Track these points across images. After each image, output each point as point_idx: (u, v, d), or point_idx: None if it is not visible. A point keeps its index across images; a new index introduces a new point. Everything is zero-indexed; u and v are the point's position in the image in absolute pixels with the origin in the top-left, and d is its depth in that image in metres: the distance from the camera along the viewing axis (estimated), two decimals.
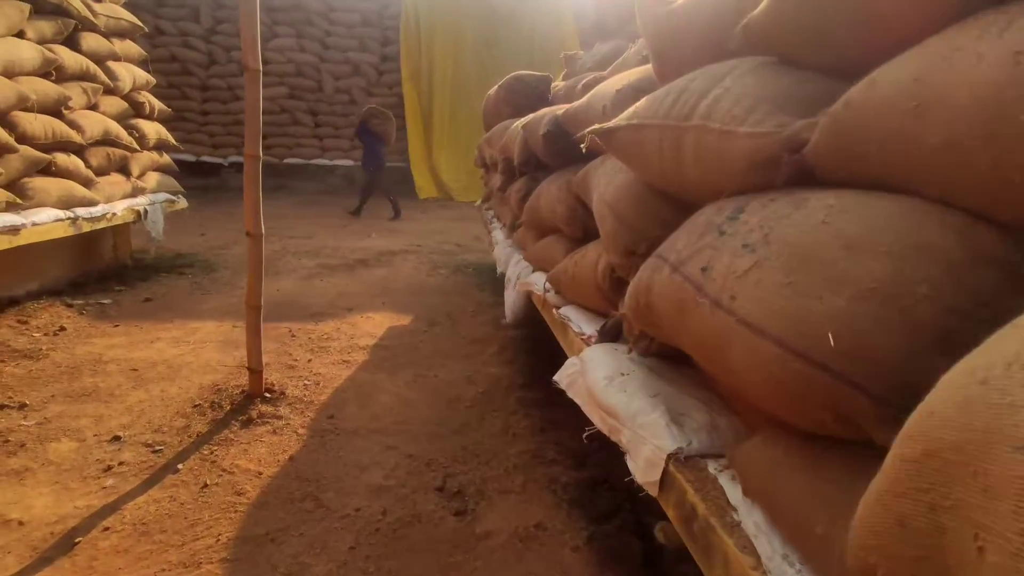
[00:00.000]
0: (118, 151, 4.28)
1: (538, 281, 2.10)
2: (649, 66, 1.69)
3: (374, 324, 3.62)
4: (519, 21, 10.59)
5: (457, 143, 10.64)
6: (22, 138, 3.44)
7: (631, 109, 1.34)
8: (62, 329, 3.37)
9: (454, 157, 10.63)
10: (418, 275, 5.23)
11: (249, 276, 2.53)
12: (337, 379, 2.73)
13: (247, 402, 2.47)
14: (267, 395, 2.51)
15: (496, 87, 4.01)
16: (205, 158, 10.31)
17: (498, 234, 3.55)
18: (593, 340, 1.53)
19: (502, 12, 10.55)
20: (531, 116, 2.50)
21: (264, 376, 2.60)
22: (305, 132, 10.51)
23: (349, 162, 10.72)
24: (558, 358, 1.70)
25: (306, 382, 2.69)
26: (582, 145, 1.50)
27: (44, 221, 3.48)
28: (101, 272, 4.62)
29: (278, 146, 10.51)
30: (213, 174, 10.45)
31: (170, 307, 3.95)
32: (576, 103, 2.04)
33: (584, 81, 2.44)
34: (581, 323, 1.66)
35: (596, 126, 1.36)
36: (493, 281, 4.89)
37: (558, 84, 3.41)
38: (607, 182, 1.52)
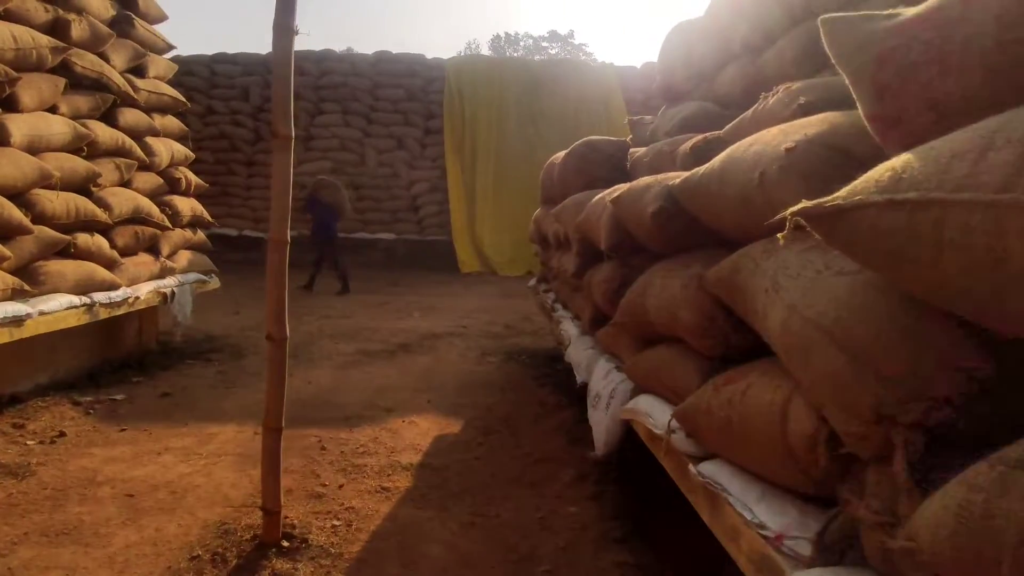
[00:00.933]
0: (148, 229, 3.96)
1: (650, 410, 1.53)
2: (836, 115, 1.17)
3: (418, 432, 3.07)
4: (563, 92, 10.45)
5: (500, 216, 10.33)
6: (40, 218, 3.11)
7: (866, 179, 0.81)
8: (61, 435, 2.91)
9: (497, 230, 10.30)
10: (466, 364, 4.70)
11: (268, 391, 2.04)
12: (374, 517, 2.16)
13: (259, 554, 1.91)
14: (284, 544, 1.95)
15: (563, 155, 3.59)
16: (247, 232, 10.20)
17: (570, 327, 3.01)
18: (786, 543, 0.94)
19: (546, 84, 10.45)
20: (623, 189, 2.00)
21: (283, 512, 2.05)
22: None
23: (391, 235, 10.48)
24: (670, 500, 1.11)
25: (335, 522, 2.12)
26: (702, 228, 0.97)
27: (54, 309, 3.09)
28: (122, 359, 4.22)
29: None
30: (254, 248, 10.30)
31: (188, 404, 3.48)
32: (699, 172, 1.53)
33: (690, 144, 1.95)
34: (749, 500, 1.07)
35: (809, 204, 0.83)
36: (553, 373, 4.32)
37: (635, 151, 2.94)
38: (802, 289, 0.97)
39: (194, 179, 4.63)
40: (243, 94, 10.13)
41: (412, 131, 10.42)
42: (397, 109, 10.39)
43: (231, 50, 10.11)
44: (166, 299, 4.11)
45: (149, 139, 4.15)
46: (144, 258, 3.97)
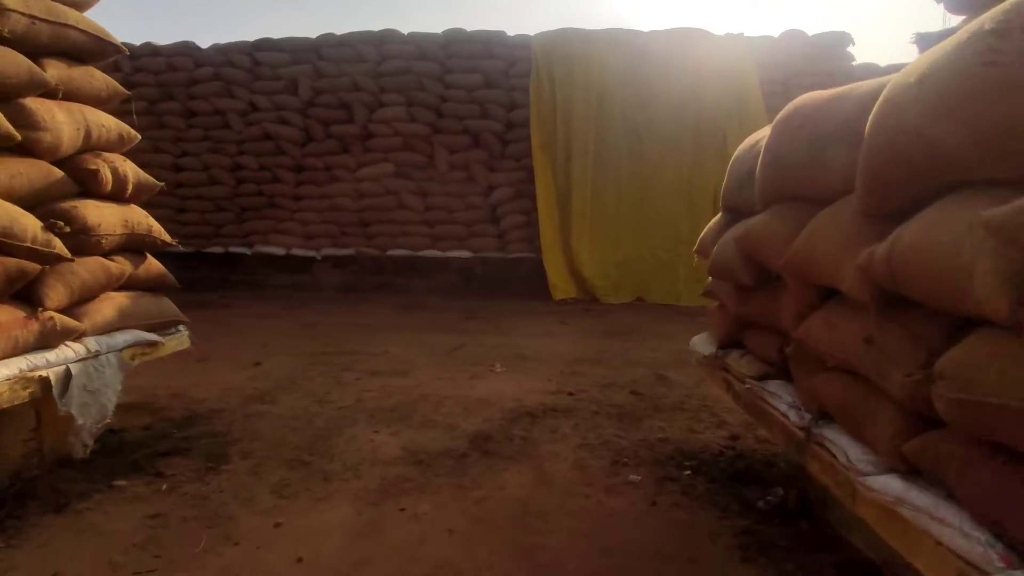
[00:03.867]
0: (12, 262, 2.11)
1: None
2: None
3: None
4: (680, 71, 8.21)
5: (603, 228, 8.18)
6: None
7: None
8: None
9: (599, 247, 8.16)
10: (591, 492, 2.58)
11: None
12: None
13: None
14: None
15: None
16: (296, 251, 8.57)
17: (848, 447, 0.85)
18: None
19: (657, 61, 8.23)
20: None
21: None
22: (413, 217, 8.54)
23: (466, 253, 8.56)
24: None
25: None
26: None
27: None
28: (9, 479, 2.41)
29: (380, 235, 8.59)
30: (303, 270, 8.67)
31: None
32: None
33: None
34: None
35: None
36: (763, 522, 2.12)
37: None
38: None
39: (136, 175, 2.77)
40: (291, 86, 8.54)
41: (491, 124, 8.48)
42: (473, 99, 8.48)
43: (276, 35, 8.53)
44: (60, 387, 2.25)
45: (30, 101, 2.32)
46: (7, 314, 2.12)
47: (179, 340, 2.92)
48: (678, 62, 8.23)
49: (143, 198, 2.82)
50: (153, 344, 2.70)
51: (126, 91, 2.83)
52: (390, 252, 8.59)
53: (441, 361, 4.93)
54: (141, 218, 2.71)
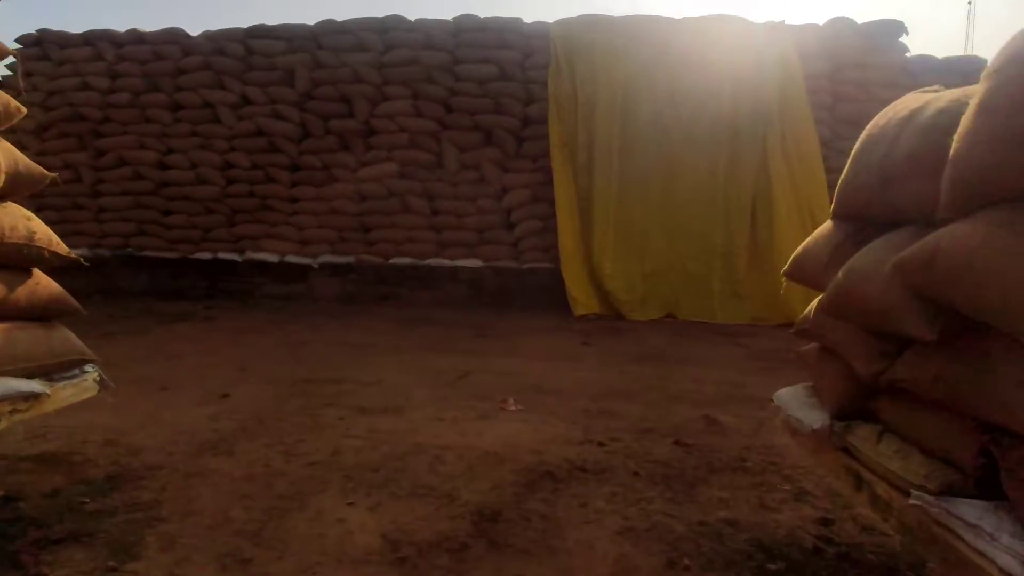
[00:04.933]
0: None
1: None
2: None
3: None
4: (714, 64, 7.39)
5: (628, 236, 7.37)
6: None
7: None
8: None
9: (624, 256, 7.34)
10: None
11: None
12: None
13: None
14: None
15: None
16: (290, 258, 7.83)
17: None
18: None
19: (688, 53, 7.42)
20: None
21: None
22: (419, 223, 7.78)
23: (476, 263, 7.78)
24: None
25: None
26: None
27: None
28: None
29: (383, 241, 7.83)
30: (298, 279, 7.93)
31: None
32: None
33: None
34: None
35: None
36: None
37: None
38: None
39: (13, 162, 2.00)
40: (287, 78, 7.80)
41: (506, 121, 7.70)
42: (485, 92, 7.71)
43: (272, 21, 7.81)
44: None
45: None
46: None
47: (79, 387, 2.14)
48: (712, 53, 7.40)
49: (25, 193, 2.05)
50: (32, 397, 1.92)
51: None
52: (393, 260, 7.83)
53: (443, 394, 4.14)
54: (18, 221, 1.94)
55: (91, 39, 7.97)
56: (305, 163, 7.80)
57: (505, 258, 7.77)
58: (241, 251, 7.91)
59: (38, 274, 2.08)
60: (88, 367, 2.26)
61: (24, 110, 2.08)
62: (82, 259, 2.18)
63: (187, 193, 7.90)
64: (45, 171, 2.08)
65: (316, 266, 7.86)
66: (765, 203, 7.34)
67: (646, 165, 7.44)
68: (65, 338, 2.14)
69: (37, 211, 6.88)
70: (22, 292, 1.99)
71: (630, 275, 7.32)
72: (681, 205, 7.41)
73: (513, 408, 3.86)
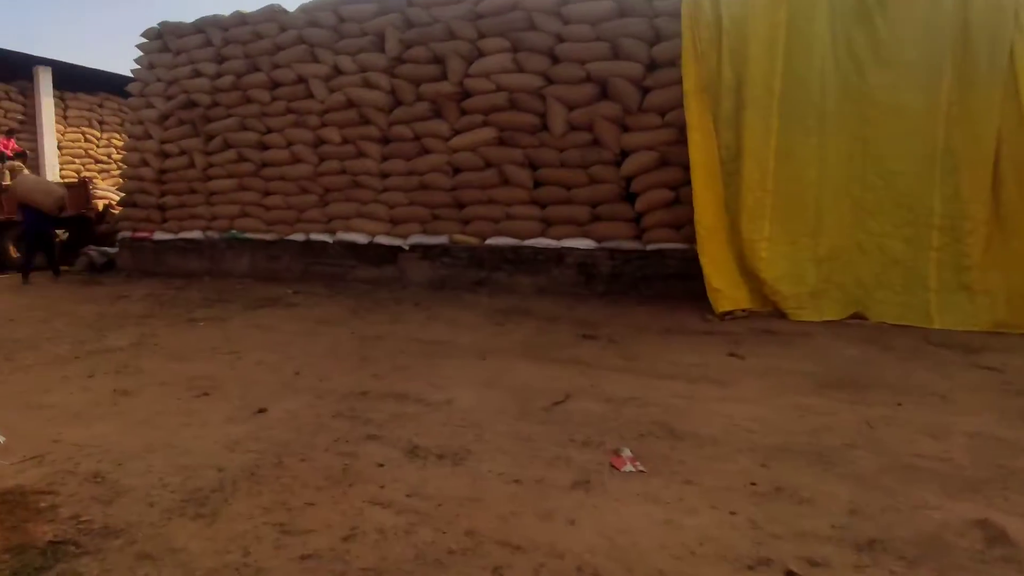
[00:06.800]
0: None
1: None
2: None
3: None
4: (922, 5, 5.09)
5: (794, 207, 5.33)
6: None
7: None
8: None
9: (788, 234, 5.32)
10: None
11: None
12: None
13: None
14: None
15: None
16: (380, 239, 7.06)
17: None
18: None
19: None
20: None
21: None
22: (520, 197, 6.51)
23: (588, 243, 6.27)
24: None
25: None
26: None
27: None
28: None
29: (478, 219, 6.69)
30: (389, 261, 7.09)
31: None
32: None
33: None
34: None
35: None
36: None
37: None
38: None
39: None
40: (377, 43, 7.10)
41: (626, 67, 6.12)
42: (599, 34, 6.21)
43: None
44: None
45: None
46: None
47: None
48: None
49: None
50: None
51: None
52: (490, 241, 6.62)
53: (528, 431, 2.73)
54: None
55: (201, 26, 8.12)
56: (395, 134, 6.97)
57: (624, 237, 6.15)
58: (332, 232, 7.42)
59: None
60: None
61: None
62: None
63: (283, 173, 7.63)
64: None
65: (407, 248, 6.99)
66: (1015, 150, 4.85)
67: (823, 109, 5.32)
68: None
69: (161, 196, 8.22)
70: None
71: (797, 259, 5.24)
72: (877, 159, 5.17)
73: (629, 468, 2.35)
